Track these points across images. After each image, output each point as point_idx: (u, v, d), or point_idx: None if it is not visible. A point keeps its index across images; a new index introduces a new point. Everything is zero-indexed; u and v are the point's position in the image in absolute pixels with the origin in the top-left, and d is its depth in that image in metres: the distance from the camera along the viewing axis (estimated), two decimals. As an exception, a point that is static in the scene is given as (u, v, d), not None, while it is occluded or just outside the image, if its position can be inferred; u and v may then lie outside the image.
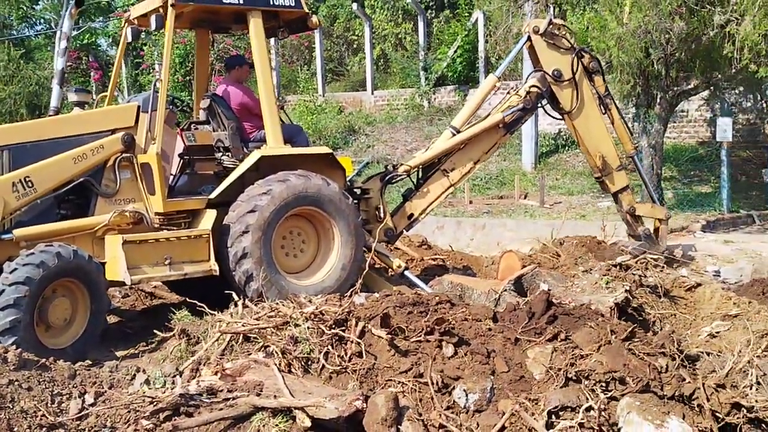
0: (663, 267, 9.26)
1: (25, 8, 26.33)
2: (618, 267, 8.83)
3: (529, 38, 9.71)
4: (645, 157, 14.02)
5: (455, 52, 22.31)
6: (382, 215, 9.35)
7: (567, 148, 19.14)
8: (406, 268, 9.32)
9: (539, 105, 9.97)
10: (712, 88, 14.43)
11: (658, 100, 13.53)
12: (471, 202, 16.67)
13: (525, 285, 8.42)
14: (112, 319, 8.73)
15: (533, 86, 9.73)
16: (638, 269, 8.84)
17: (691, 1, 11.58)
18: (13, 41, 24.25)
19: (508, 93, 9.95)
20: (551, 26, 9.68)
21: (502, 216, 15.20)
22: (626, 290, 7.94)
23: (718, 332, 7.46)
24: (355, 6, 24.43)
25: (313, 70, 25.81)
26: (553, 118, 10.58)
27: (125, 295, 9.73)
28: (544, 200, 15.76)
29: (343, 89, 26.20)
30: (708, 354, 6.46)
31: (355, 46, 28.13)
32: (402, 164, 9.72)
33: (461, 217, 15.33)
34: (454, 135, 9.57)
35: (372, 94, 23.76)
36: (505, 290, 8.12)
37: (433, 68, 22.68)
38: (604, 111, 10.10)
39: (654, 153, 13.88)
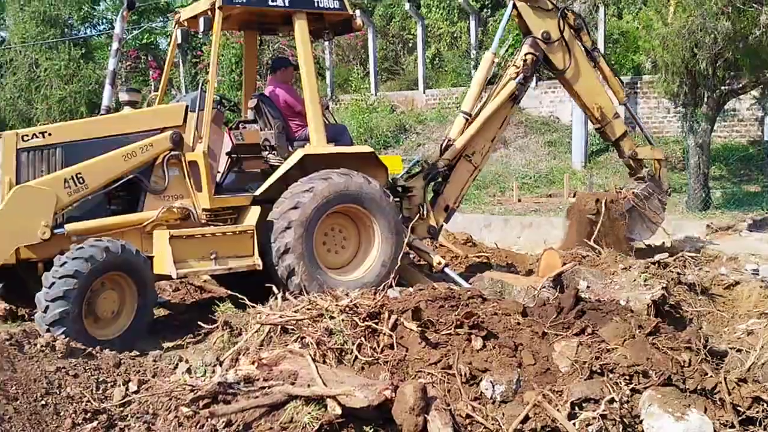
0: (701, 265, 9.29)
1: (86, 8, 26.99)
2: (657, 264, 8.88)
3: (514, 6, 9.82)
4: (691, 156, 13.94)
5: (506, 51, 22.32)
6: (425, 213, 9.52)
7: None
8: (446, 265, 9.45)
9: (536, 71, 10.27)
10: (761, 87, 14.26)
11: (705, 100, 13.41)
12: (519, 200, 16.70)
13: (565, 282, 8.52)
14: (161, 311, 9.05)
15: (528, 53, 9.88)
16: (676, 267, 8.87)
17: (738, 1, 11.46)
18: (73, 41, 24.90)
19: (506, 66, 10.08)
20: None
21: (549, 214, 15.21)
22: (663, 287, 7.99)
23: (753, 330, 7.48)
24: (408, 6, 24.57)
25: (368, 69, 26.04)
26: (552, 78, 10.66)
27: (176, 289, 10.04)
28: (593, 199, 15.69)
29: (398, 88, 26.37)
30: (739, 351, 6.52)
31: (410, 45, 28.28)
32: (438, 159, 9.79)
33: (509, 215, 15.38)
34: (467, 120, 9.72)
35: (424, 93, 23.88)
36: (544, 287, 8.22)
37: (486, 67, 22.65)
38: (593, 65, 10.32)
39: (701, 152, 13.77)
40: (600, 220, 10.19)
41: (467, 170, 9.87)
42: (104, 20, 33.66)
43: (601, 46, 20.21)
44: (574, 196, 16.30)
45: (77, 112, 22.71)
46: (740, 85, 13.67)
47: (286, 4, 8.60)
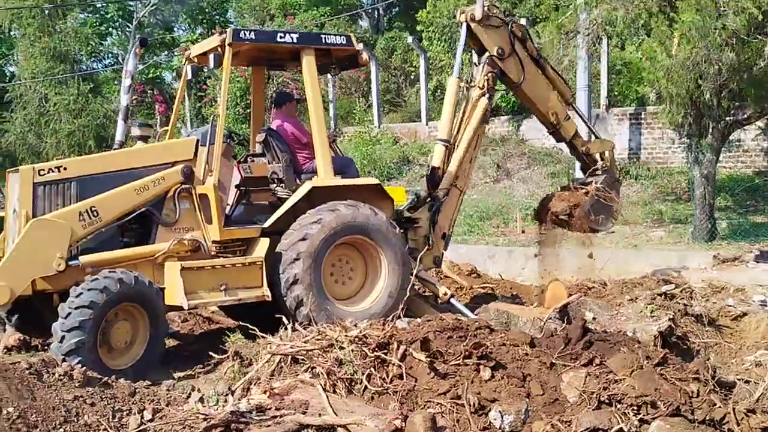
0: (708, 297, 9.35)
1: (93, 44, 27.34)
2: (663, 296, 8.95)
3: (468, 27, 9.86)
4: (697, 187, 14.02)
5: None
6: (431, 243, 9.60)
7: (621, 177, 19.17)
8: (452, 296, 9.53)
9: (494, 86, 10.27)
10: (766, 117, 14.38)
11: (710, 130, 13.51)
12: (523, 232, 16.74)
13: (570, 313, 8.60)
14: (171, 342, 9.12)
15: (489, 72, 9.93)
16: (683, 298, 8.94)
17: (742, 32, 11.61)
18: (82, 76, 25.21)
19: (467, 89, 10.11)
20: (486, 9, 9.86)
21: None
22: (670, 319, 8.06)
23: (761, 361, 7.53)
24: (410, 39, 24.84)
25: (371, 101, 26.26)
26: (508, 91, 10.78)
27: (184, 320, 10.13)
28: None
29: (400, 120, 26.57)
30: (747, 382, 6.58)
31: (412, 77, 28.53)
32: (437, 189, 9.78)
33: (513, 246, 15.45)
34: (447, 147, 9.78)
35: (426, 124, 24.04)
36: (550, 318, 8.30)
37: (487, 99, 22.86)
38: (541, 71, 10.43)
39: (706, 183, 13.85)
40: (571, 221, 10.58)
41: (456, 196, 9.96)
42: (110, 55, 34.12)
43: (603, 77, 20.45)
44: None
45: (86, 146, 22.93)
46: (745, 116, 13.78)
47: (295, 41, 8.77)
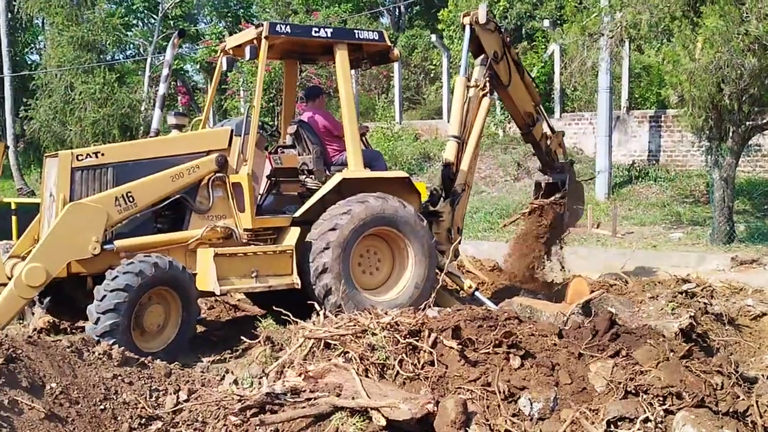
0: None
1: (119, 34, 27.57)
2: (684, 294, 9.07)
3: (472, 30, 10.25)
4: (716, 189, 14.12)
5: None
6: (453, 236, 9.77)
7: (640, 179, 19.32)
8: (476, 289, 9.68)
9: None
10: (786, 123, 14.44)
11: (731, 134, 13.61)
12: (542, 230, 16.85)
13: (593, 309, 8.71)
14: (198, 328, 9.29)
15: (488, 72, 10.36)
16: (703, 297, 9.05)
17: (764, 38, 11.70)
18: (108, 66, 25.45)
19: (466, 89, 10.38)
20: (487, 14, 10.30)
21: (574, 244, 15.39)
22: (691, 316, 8.17)
23: (780, 361, 7.66)
24: (434, 37, 24.98)
25: (391, 98, 26.38)
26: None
27: (211, 307, 10.30)
28: (617, 230, 15.93)
29: (419, 117, 26.70)
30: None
31: (432, 75, 28.64)
32: (455, 184, 10.12)
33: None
34: (458, 143, 10.09)
35: (448, 121, 24.11)
36: (573, 313, 8.42)
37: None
38: (521, 75, 10.90)
39: (725, 186, 13.95)
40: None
41: (468, 191, 10.34)
42: (132, 45, 34.36)
43: (625, 79, 20.56)
44: (598, 227, 16.58)
45: (110, 135, 23.13)
46: (765, 121, 13.82)
47: (329, 36, 8.94)
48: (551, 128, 11.77)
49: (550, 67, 22.29)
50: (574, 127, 21.50)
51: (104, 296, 7.32)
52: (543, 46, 23.23)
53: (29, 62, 38.41)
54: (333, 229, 8.45)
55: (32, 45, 38.97)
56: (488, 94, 10.34)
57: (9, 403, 5.11)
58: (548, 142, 11.56)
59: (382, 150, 21.06)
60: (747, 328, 8.87)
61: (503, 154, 21.63)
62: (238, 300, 10.43)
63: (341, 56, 8.96)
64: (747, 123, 13.60)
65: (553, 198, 11.37)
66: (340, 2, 30.49)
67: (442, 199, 9.98)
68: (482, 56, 10.38)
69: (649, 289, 9.82)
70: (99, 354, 6.14)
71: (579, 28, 14.94)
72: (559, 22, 21.49)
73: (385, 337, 6.22)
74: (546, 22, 21.59)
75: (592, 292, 9.28)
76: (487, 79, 10.31)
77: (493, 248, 14.55)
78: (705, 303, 8.91)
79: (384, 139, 23.01)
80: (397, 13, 33.63)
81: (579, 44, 15.11)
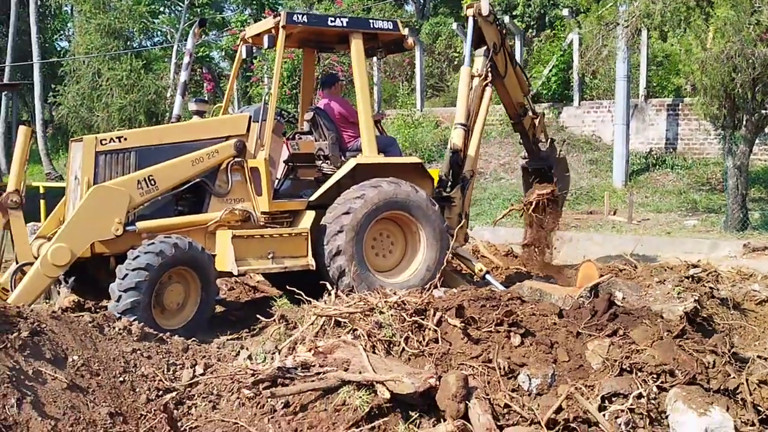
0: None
1: (146, 22, 27.92)
2: (690, 279, 9.23)
3: (475, 21, 10.48)
4: (730, 177, 14.21)
5: (550, 71, 22.76)
6: (463, 220, 10.02)
7: (657, 167, 19.40)
8: (488, 272, 9.91)
9: None
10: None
11: (744, 122, 13.69)
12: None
13: (601, 293, 8.91)
14: (218, 308, 9.59)
15: (490, 63, 10.59)
16: (709, 281, 9.21)
17: (776, 27, 11.82)
18: (134, 53, 25.82)
19: (471, 78, 10.58)
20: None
21: (589, 230, 15.57)
22: (695, 300, 8.34)
23: (783, 345, 7.80)
24: (455, 25, 25.10)
25: (414, 85, 26.53)
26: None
27: (231, 288, 10.61)
28: (632, 217, 16.06)
29: (442, 104, 26.82)
30: (765, 359, 6.88)
31: (456, 62, 28.72)
32: (465, 170, 10.30)
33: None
34: (465, 131, 10.28)
35: (467, 109, 24.25)
36: (581, 297, 8.63)
37: (528, 86, 23.06)
38: (513, 66, 11.14)
39: (739, 174, 14.03)
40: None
41: (474, 177, 10.58)
42: (159, 33, 34.74)
43: (643, 68, 20.60)
44: (614, 214, 16.72)
45: (136, 120, 23.46)
46: (778, 109, 13.95)
47: (344, 25, 9.18)
48: (533, 111, 11.91)
49: (569, 56, 22.35)
50: (593, 115, 21.58)
51: (126, 275, 7.62)
52: (563, 35, 23.29)
53: (58, 49, 38.95)
54: (347, 213, 8.71)
55: (61, 32, 39.52)
56: (490, 84, 10.57)
57: (33, 374, 5.39)
58: (535, 129, 11.74)
59: (401, 137, 21.31)
60: (752, 313, 8.99)
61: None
62: (257, 282, 10.73)
63: (356, 45, 9.20)
64: (761, 111, 13.66)
65: (543, 191, 11.54)
66: (364, -10, 30.65)
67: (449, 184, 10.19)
68: (484, 47, 10.60)
69: (658, 273, 9.98)
70: (119, 329, 6.42)
71: (595, 17, 15.06)
72: (577, 10, 21.56)
73: (392, 315, 6.47)
74: (565, 11, 21.66)
75: (601, 276, 9.47)
76: (488, 69, 10.54)
77: (510, 234, 14.76)
78: (711, 287, 9.06)
79: (404, 126, 23.17)
80: (421, 1, 33.71)
81: (594, 34, 15.23)
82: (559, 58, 22.56)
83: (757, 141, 14.76)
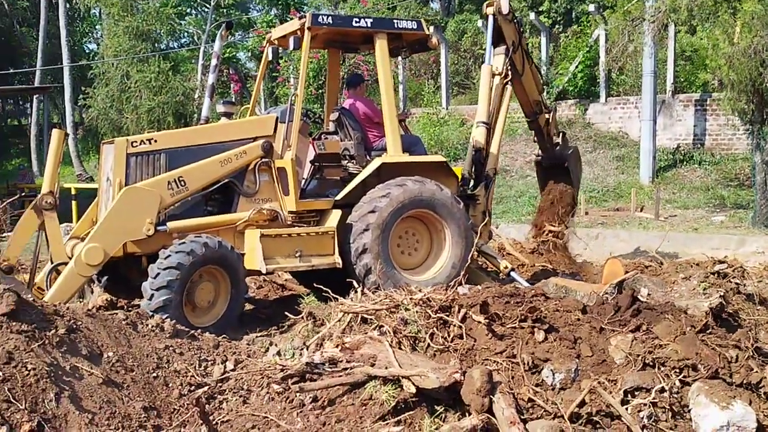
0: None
1: (173, 23, 28.19)
2: (716, 275, 9.24)
3: (495, 19, 10.52)
4: (758, 172, 14.16)
5: (576, 67, 22.73)
6: (487, 218, 10.10)
7: (685, 163, 19.34)
8: (513, 269, 9.98)
9: None
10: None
11: (772, 118, 13.67)
12: (587, 213, 17.04)
13: (626, 289, 8.96)
14: (247, 306, 9.73)
15: (509, 61, 10.66)
16: (735, 277, 9.22)
17: (803, 23, 11.77)
18: (162, 55, 26.09)
19: (492, 77, 10.62)
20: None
21: (616, 227, 15.57)
22: (721, 296, 8.36)
23: (808, 340, 7.80)
24: (480, 22, 25.12)
25: (439, 83, 26.57)
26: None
27: (259, 287, 10.77)
28: (659, 213, 16.03)
29: (468, 102, 26.85)
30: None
31: (481, 60, 28.65)
32: (488, 168, 10.41)
33: (577, 227, 15.72)
34: (487, 129, 10.31)
35: (491, 107, 24.25)
36: (607, 293, 8.68)
37: (555, 82, 23.09)
38: (530, 64, 11.23)
39: (767, 169, 14.01)
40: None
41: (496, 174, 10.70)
42: (186, 34, 35.04)
43: (670, 63, 20.52)
44: (641, 211, 16.70)
45: (165, 122, 23.70)
46: (806, 104, 13.85)
47: (369, 26, 9.29)
48: (545, 106, 11.97)
49: (595, 52, 22.30)
50: (620, 111, 21.53)
51: (158, 274, 7.78)
52: (588, 31, 23.25)
53: (87, 51, 39.39)
54: (372, 212, 8.83)
55: (90, 34, 39.96)
56: (510, 82, 10.64)
57: (71, 369, 5.56)
58: (549, 126, 11.84)
59: (427, 135, 21.38)
60: (779, 309, 9.01)
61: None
62: (285, 280, 10.87)
63: (381, 45, 9.30)
64: (790, 106, 13.61)
65: (554, 229, 12.00)
66: (389, -11, 30.74)
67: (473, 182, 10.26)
68: (503, 46, 10.66)
69: (683, 270, 10.01)
70: (152, 326, 6.58)
71: (621, 13, 15.06)
72: (604, 6, 21.52)
73: (417, 312, 6.56)
74: (591, 7, 21.63)
75: (627, 272, 9.51)
76: (507, 67, 10.62)
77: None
78: (737, 283, 9.07)
79: (430, 124, 23.23)
80: (447, -1, 33.81)
81: (620, 29, 15.22)
82: (585, 54, 22.52)
83: (785, 136, 14.66)
